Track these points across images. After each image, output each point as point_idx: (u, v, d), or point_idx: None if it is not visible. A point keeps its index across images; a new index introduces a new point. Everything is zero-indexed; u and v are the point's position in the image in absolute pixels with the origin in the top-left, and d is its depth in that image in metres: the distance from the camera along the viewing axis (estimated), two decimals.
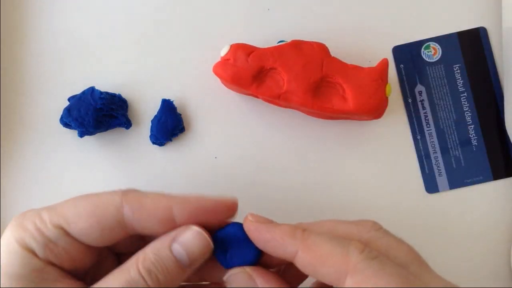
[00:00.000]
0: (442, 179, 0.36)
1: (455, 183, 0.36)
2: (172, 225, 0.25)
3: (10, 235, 0.24)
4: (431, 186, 0.36)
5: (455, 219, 0.35)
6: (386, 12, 0.37)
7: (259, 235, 0.24)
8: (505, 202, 0.35)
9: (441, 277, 0.24)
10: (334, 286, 0.23)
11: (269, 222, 0.25)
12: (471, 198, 0.36)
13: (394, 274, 0.22)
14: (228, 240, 0.25)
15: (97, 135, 0.35)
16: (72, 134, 0.35)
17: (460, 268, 0.35)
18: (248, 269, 0.25)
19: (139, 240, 0.27)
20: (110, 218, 0.24)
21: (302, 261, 0.23)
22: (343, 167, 0.36)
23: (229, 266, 0.25)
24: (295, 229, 0.24)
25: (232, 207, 0.26)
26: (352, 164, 0.36)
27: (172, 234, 0.24)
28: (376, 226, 0.25)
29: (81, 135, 0.34)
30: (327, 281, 0.23)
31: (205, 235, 0.24)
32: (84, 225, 0.24)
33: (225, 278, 0.25)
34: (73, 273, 0.25)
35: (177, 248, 0.24)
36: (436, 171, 0.36)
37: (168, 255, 0.23)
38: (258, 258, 0.25)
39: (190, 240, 0.24)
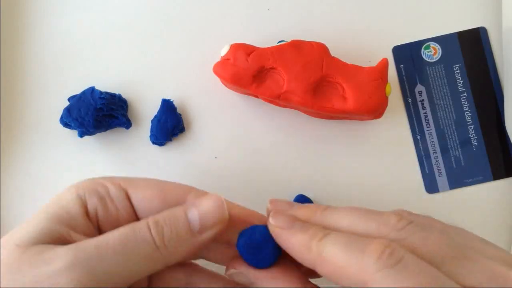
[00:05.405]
0: (442, 179, 0.36)
1: (455, 183, 0.36)
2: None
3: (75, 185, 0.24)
4: (431, 186, 0.36)
5: (455, 219, 0.35)
6: (386, 12, 0.37)
7: (279, 241, 0.24)
8: (505, 202, 0.35)
9: (487, 263, 0.20)
10: None
11: (291, 220, 0.24)
12: (471, 198, 0.36)
13: (417, 282, 0.19)
14: (253, 239, 0.24)
15: (97, 135, 0.35)
16: (72, 134, 0.35)
17: None
18: (250, 273, 0.24)
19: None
20: (175, 199, 0.24)
21: (322, 274, 0.22)
22: (343, 167, 0.36)
23: (258, 265, 0.24)
24: (311, 240, 0.22)
25: None
26: (352, 164, 0.36)
27: (194, 201, 0.24)
28: (399, 225, 0.22)
29: (81, 135, 0.34)
30: None
31: (224, 207, 0.24)
32: (150, 192, 0.24)
33: (227, 274, 0.25)
34: None
35: (193, 211, 0.23)
36: (436, 171, 0.36)
37: (180, 214, 0.23)
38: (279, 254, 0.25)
39: (208, 207, 0.23)
